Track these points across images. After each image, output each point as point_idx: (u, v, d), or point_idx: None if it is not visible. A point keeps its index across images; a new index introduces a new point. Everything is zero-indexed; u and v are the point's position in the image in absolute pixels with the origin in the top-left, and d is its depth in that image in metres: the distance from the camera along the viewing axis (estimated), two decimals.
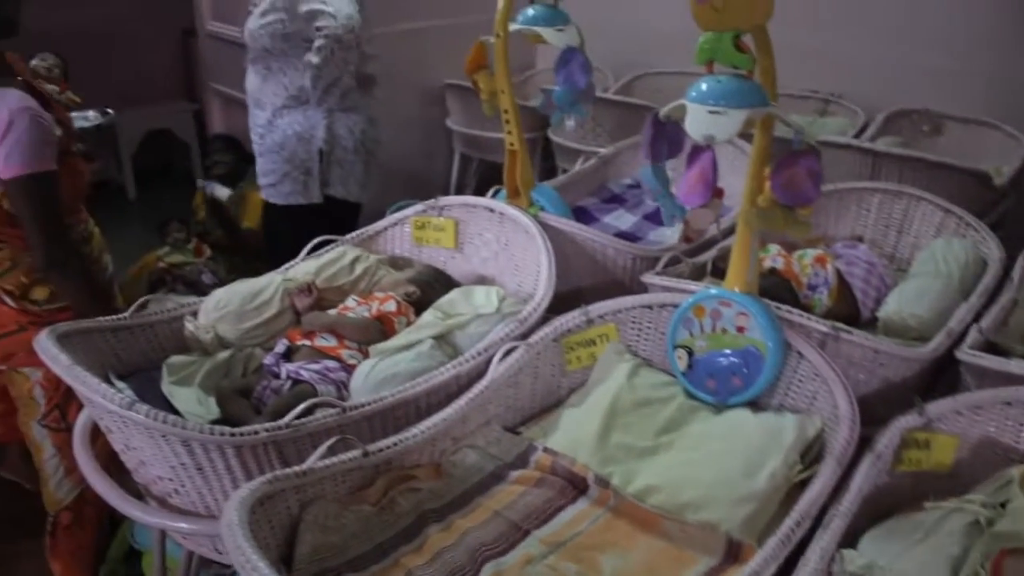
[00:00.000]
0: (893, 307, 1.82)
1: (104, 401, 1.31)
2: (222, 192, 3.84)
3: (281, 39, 2.70)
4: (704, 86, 1.32)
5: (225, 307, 1.74)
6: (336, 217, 2.82)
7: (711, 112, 1.29)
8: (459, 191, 4.18)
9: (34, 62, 3.82)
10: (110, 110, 2.88)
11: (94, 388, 1.33)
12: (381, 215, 2.82)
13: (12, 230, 1.94)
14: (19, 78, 1.94)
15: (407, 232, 2.06)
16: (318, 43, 2.60)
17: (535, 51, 4.38)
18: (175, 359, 1.66)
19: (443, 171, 4.35)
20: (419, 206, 2.05)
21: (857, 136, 2.98)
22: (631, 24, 4.05)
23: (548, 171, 3.62)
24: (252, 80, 2.86)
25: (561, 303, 1.73)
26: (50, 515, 2.26)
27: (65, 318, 1.87)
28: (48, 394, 2.12)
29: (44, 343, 1.44)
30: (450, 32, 4.07)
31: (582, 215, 2.39)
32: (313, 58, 2.63)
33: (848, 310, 1.90)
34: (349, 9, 2.58)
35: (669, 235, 2.28)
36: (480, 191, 2.18)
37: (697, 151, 1.36)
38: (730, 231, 2.01)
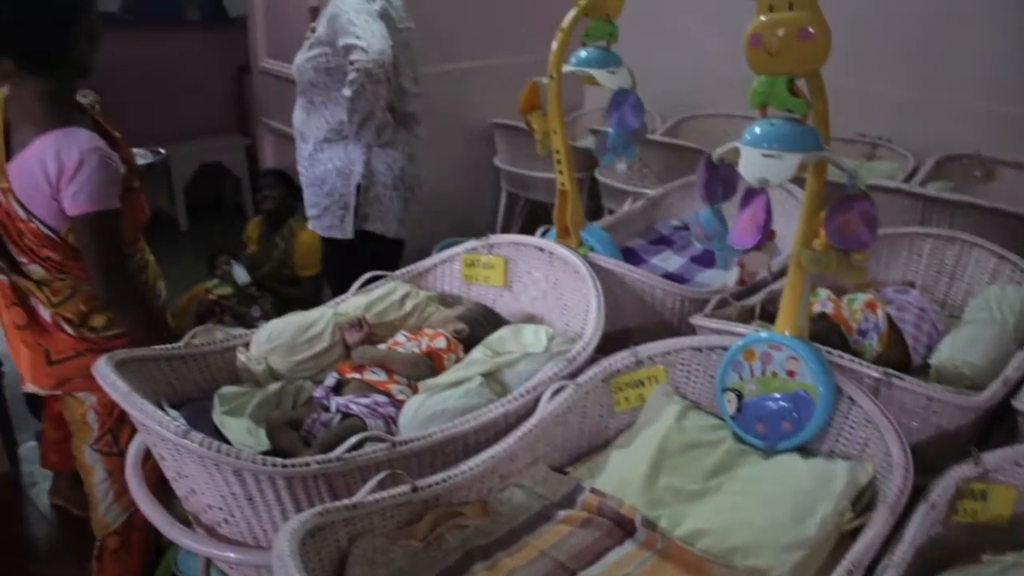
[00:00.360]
0: (946, 354, 1.80)
1: (160, 428, 1.33)
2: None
3: (324, 73, 2.79)
4: (758, 129, 1.32)
5: (277, 339, 1.76)
6: (375, 253, 2.91)
7: (765, 155, 1.29)
8: (505, 229, 4.21)
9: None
10: (162, 150, 2.94)
11: (151, 415, 1.36)
12: (427, 252, 2.85)
13: (74, 263, 2.01)
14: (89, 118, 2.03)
15: (456, 269, 2.08)
16: (350, 76, 2.67)
17: (583, 92, 4.42)
18: (227, 390, 1.68)
19: (490, 209, 4.38)
20: (469, 244, 2.06)
21: (906, 181, 2.96)
22: (678, 67, 4.08)
23: (594, 211, 3.64)
24: (298, 113, 2.96)
25: (609, 343, 1.73)
26: (97, 540, 2.29)
27: (120, 344, 1.99)
28: (101, 419, 2.16)
29: (103, 370, 1.47)
30: (497, 72, 4.13)
31: (629, 256, 2.39)
32: (346, 91, 2.70)
33: (899, 356, 1.88)
34: (382, 45, 2.63)
35: (717, 277, 2.28)
36: (526, 230, 2.20)
37: (751, 194, 1.36)
38: (779, 275, 2.01)
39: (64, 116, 1.94)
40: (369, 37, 2.62)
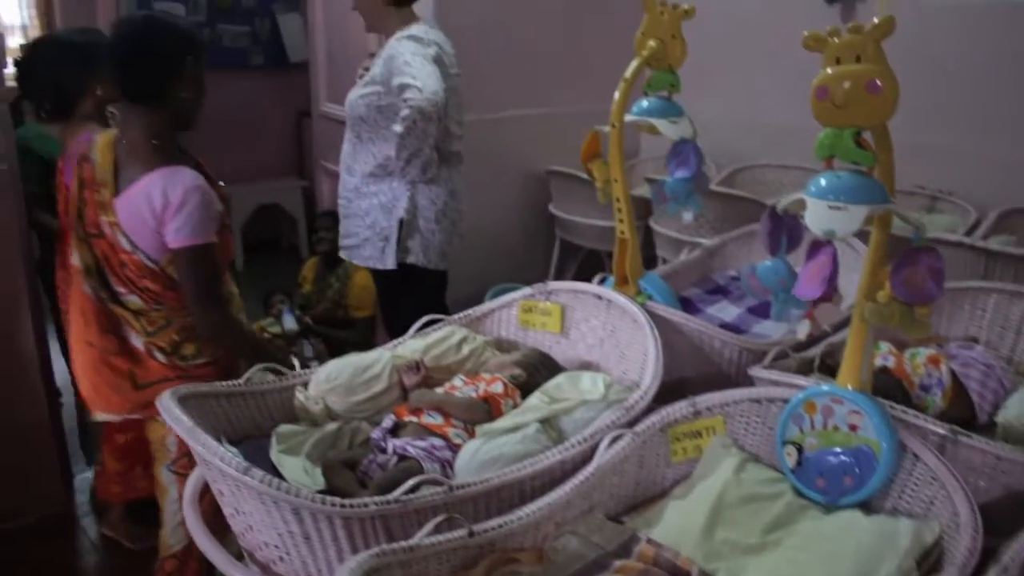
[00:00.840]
0: (1014, 412, 1.76)
1: (221, 464, 1.35)
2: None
3: (375, 110, 2.88)
4: (824, 181, 1.32)
5: (335, 380, 1.78)
6: (419, 283, 3.04)
7: (831, 207, 1.29)
8: (558, 276, 4.22)
9: None
10: (221, 183, 3.04)
11: (213, 451, 1.38)
12: (481, 297, 2.87)
13: (170, 293, 2.17)
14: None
15: (514, 315, 2.09)
16: (403, 113, 2.73)
17: (640, 140, 4.45)
18: (284, 428, 1.70)
19: (543, 256, 4.40)
20: (527, 290, 2.07)
21: (968, 234, 2.92)
22: (733, 117, 4.09)
23: (648, 260, 3.64)
24: (345, 147, 3.07)
25: (665, 393, 1.71)
26: (157, 560, 2.36)
27: (207, 372, 2.17)
28: (180, 442, 2.24)
29: (167, 404, 1.50)
30: (554, 120, 4.18)
31: (686, 305, 2.38)
32: (397, 127, 2.78)
33: (964, 413, 1.84)
34: (436, 86, 2.70)
35: (774, 328, 2.26)
36: (579, 277, 2.21)
37: (817, 246, 1.36)
38: (838, 327, 1.99)
39: (169, 156, 2.11)
40: (424, 78, 2.70)
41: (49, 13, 7.66)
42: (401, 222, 2.94)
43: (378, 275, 3.13)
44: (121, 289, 2.16)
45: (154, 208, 2.04)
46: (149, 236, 2.08)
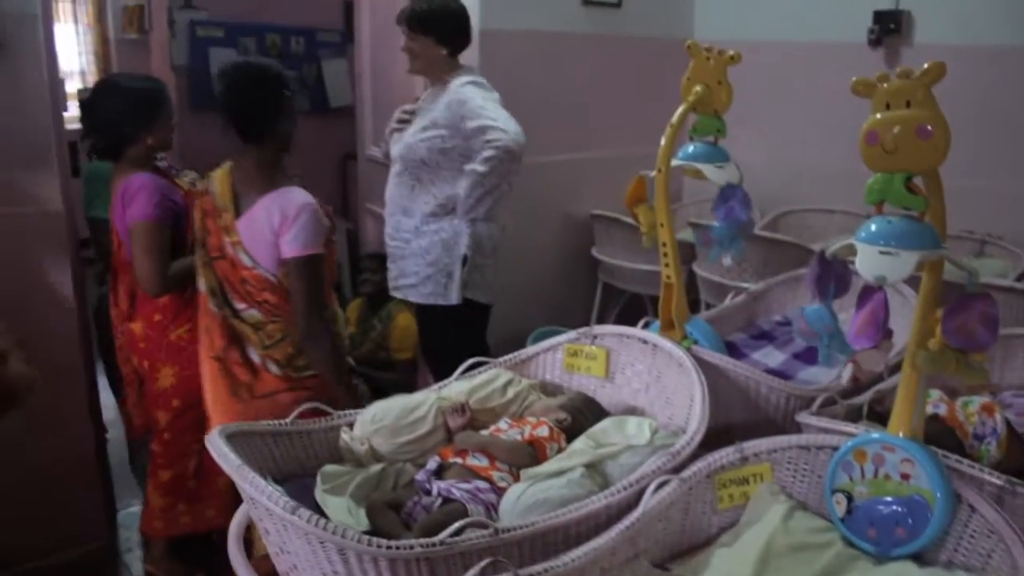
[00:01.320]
0: None
1: (269, 503, 1.36)
2: None
3: (439, 152, 2.95)
4: (875, 227, 1.31)
5: (381, 421, 1.79)
6: (471, 319, 3.09)
7: (882, 253, 1.28)
8: (601, 320, 4.21)
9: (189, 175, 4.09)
10: None
11: (261, 489, 1.38)
12: (524, 339, 2.86)
13: (287, 305, 2.35)
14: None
15: (559, 358, 2.08)
16: (488, 154, 2.80)
17: (683, 185, 4.45)
18: (329, 468, 1.70)
19: (585, 299, 4.39)
20: (572, 333, 2.07)
21: (1019, 279, 2.87)
22: (777, 161, 4.08)
23: (692, 304, 3.62)
24: (398, 189, 3.10)
25: (711, 438, 1.70)
26: None
27: (314, 383, 2.36)
28: None
29: (215, 442, 1.52)
30: (597, 165, 4.20)
31: (731, 351, 2.36)
32: (479, 167, 2.83)
33: (1020, 464, 1.79)
34: (517, 127, 2.81)
35: (820, 375, 2.23)
36: (621, 321, 2.20)
37: (868, 292, 1.35)
38: (887, 374, 1.96)
39: (280, 179, 2.37)
40: (504, 120, 2.82)
41: (106, 59, 7.89)
42: (465, 258, 2.99)
43: (428, 313, 3.14)
44: (241, 305, 2.36)
45: (272, 224, 2.27)
46: (268, 251, 2.29)
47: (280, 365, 2.37)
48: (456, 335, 3.08)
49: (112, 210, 2.66)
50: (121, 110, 2.64)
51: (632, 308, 4.15)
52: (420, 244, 3.04)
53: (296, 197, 2.31)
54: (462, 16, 3.01)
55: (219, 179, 2.40)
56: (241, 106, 2.32)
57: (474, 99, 2.87)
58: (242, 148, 2.37)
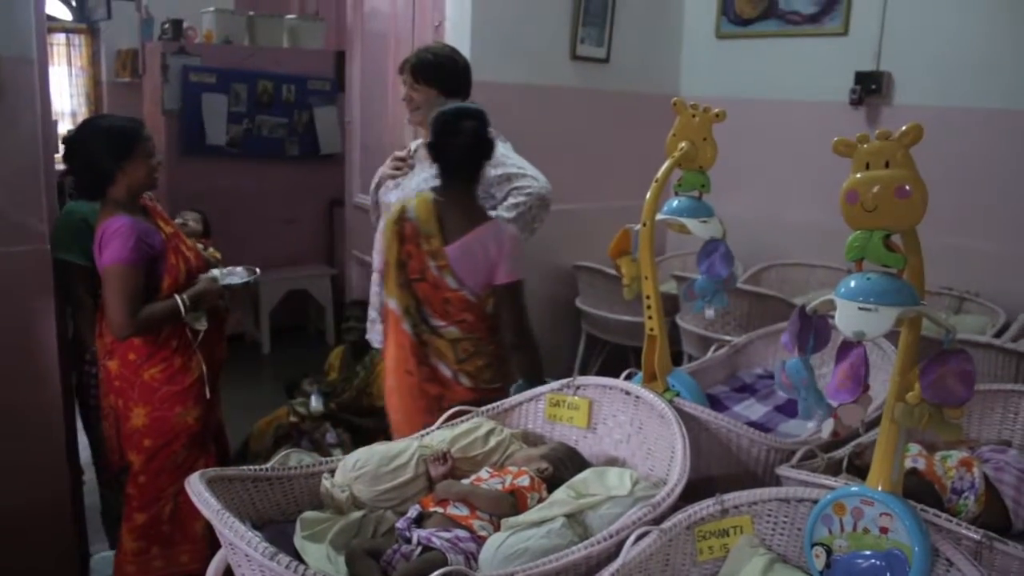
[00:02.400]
0: None
1: (247, 548, 1.35)
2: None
3: None
4: (854, 283, 1.33)
5: (362, 468, 1.78)
6: None
7: (861, 308, 1.30)
8: (584, 371, 4.22)
9: (179, 221, 4.10)
10: (258, 269, 3.09)
11: (240, 534, 1.38)
12: (506, 389, 2.85)
13: (482, 324, 2.55)
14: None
15: (541, 408, 2.09)
16: (516, 200, 2.86)
17: (666, 237, 4.49)
18: (309, 515, 1.69)
19: (569, 350, 4.40)
20: (555, 384, 2.08)
21: (997, 335, 2.90)
22: (759, 216, 4.14)
23: (674, 357, 3.64)
24: None
25: (691, 490, 1.70)
26: None
27: (499, 393, 2.44)
28: None
29: (195, 486, 1.51)
30: (582, 216, 4.23)
31: (713, 403, 2.38)
32: (505, 213, 2.84)
33: (997, 519, 1.81)
34: (543, 176, 2.90)
35: (800, 428, 2.24)
36: (603, 371, 2.21)
37: (847, 347, 1.36)
38: (867, 428, 1.97)
39: (485, 212, 2.61)
40: (531, 169, 2.90)
41: (98, 102, 7.95)
42: None
43: None
44: (441, 322, 2.53)
45: (489, 253, 2.49)
46: (479, 276, 2.50)
47: (471, 377, 2.55)
48: None
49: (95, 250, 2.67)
50: (95, 148, 2.63)
51: (615, 359, 4.16)
52: None
53: (508, 230, 2.57)
54: (467, 69, 3.02)
55: (420, 207, 2.55)
56: (457, 156, 2.52)
57: (496, 148, 2.86)
58: (449, 185, 2.56)
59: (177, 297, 2.68)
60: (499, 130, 3.06)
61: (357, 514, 1.73)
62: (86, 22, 7.82)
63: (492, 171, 2.86)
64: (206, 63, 5.72)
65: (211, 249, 3.83)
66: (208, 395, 2.82)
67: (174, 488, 2.78)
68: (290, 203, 6.09)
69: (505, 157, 2.90)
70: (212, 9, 5.98)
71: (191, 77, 5.64)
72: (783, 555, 1.62)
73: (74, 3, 7.77)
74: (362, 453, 1.82)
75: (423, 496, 1.77)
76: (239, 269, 3.10)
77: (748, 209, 3.81)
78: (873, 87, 3.93)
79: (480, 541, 1.60)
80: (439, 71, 2.94)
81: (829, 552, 1.52)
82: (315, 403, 3.96)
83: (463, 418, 2.02)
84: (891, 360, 1.67)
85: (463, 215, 2.53)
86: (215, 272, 2.94)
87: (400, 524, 1.67)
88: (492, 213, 2.88)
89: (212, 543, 1.61)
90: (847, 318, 1.31)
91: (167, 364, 2.72)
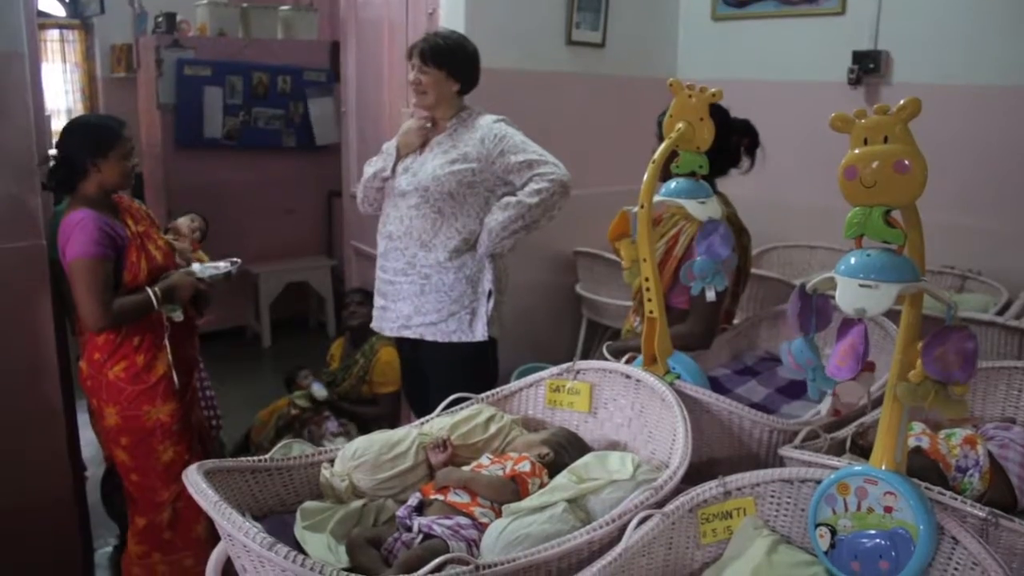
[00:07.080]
0: None
1: (245, 539, 1.34)
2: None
3: (467, 186, 2.91)
4: (854, 260, 1.32)
5: (362, 457, 1.77)
6: (485, 355, 3.06)
7: (862, 286, 1.28)
8: (585, 356, 4.20)
9: (182, 219, 4.09)
10: (239, 260, 3.05)
11: (238, 526, 1.37)
12: (507, 376, 2.85)
13: None
14: None
15: (541, 394, 2.07)
16: (539, 185, 2.83)
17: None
18: (309, 505, 1.68)
19: (569, 336, 4.39)
20: (555, 369, 2.06)
21: (1000, 313, 2.89)
22: (760, 197, 4.10)
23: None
24: (417, 223, 2.96)
25: (693, 473, 1.69)
26: None
27: None
28: None
29: (193, 478, 1.50)
30: (581, 201, 4.19)
31: (714, 385, 2.36)
32: (528, 199, 2.84)
33: (1003, 496, 1.79)
34: (562, 164, 2.88)
35: (803, 409, 2.23)
36: (605, 357, 2.19)
37: (847, 324, 1.35)
38: (870, 407, 1.96)
39: None
40: (551, 157, 2.88)
41: (93, 98, 7.92)
42: (489, 293, 2.98)
43: (439, 351, 3.03)
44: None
45: None
46: None
47: None
48: (474, 371, 3.01)
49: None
50: (73, 143, 2.62)
51: None
52: (443, 280, 2.95)
53: None
54: (476, 55, 3.00)
55: None
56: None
57: (514, 135, 2.90)
58: None
59: (149, 290, 2.66)
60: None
61: (357, 503, 1.72)
62: (79, 18, 7.80)
63: (512, 158, 2.85)
64: (200, 56, 5.70)
65: (199, 253, 3.77)
66: (177, 388, 2.78)
67: (170, 494, 2.77)
68: (288, 194, 6.08)
69: (524, 144, 2.89)
70: (205, 2, 5.96)
71: (186, 70, 5.62)
72: (787, 536, 1.61)
73: None
74: (361, 442, 1.81)
75: (424, 484, 1.76)
76: (221, 263, 3.08)
77: (747, 190, 3.80)
78: (871, 66, 3.90)
79: (482, 528, 1.59)
80: (449, 54, 2.91)
81: (833, 532, 1.51)
82: (318, 390, 3.96)
83: (463, 405, 2.01)
84: (893, 340, 1.65)
85: None
86: (195, 266, 2.92)
87: (401, 512, 1.66)
88: (512, 199, 2.89)
89: (215, 544, 1.60)
90: (848, 295, 1.30)
91: (129, 363, 2.69)
